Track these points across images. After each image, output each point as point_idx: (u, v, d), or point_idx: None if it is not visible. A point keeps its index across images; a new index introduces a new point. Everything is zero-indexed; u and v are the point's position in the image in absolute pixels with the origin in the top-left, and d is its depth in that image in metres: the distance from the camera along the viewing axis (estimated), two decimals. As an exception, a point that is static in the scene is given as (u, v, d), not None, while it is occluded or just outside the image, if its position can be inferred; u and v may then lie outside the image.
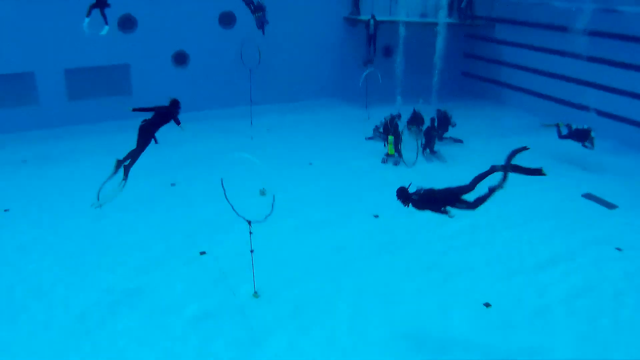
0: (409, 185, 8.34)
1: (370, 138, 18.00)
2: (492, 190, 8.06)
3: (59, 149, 16.63)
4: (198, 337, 8.47)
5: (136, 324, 8.74)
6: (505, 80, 22.36)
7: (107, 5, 14.88)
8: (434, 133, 16.78)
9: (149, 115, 9.72)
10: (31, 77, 17.80)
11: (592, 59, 17.70)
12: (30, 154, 16.09)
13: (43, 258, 10.61)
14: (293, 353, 8.19)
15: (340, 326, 8.74)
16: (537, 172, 8.27)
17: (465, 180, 8.23)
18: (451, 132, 17.62)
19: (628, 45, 17.09)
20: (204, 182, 13.77)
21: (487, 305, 9.31)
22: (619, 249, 11.22)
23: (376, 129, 17.94)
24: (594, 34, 16.94)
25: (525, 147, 8.33)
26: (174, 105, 9.72)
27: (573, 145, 15.91)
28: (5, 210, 12.52)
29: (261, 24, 18.07)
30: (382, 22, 20.71)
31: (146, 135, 9.60)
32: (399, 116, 17.00)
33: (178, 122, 9.89)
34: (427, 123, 17.04)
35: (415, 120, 17.29)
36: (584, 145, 15.59)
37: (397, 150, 16.00)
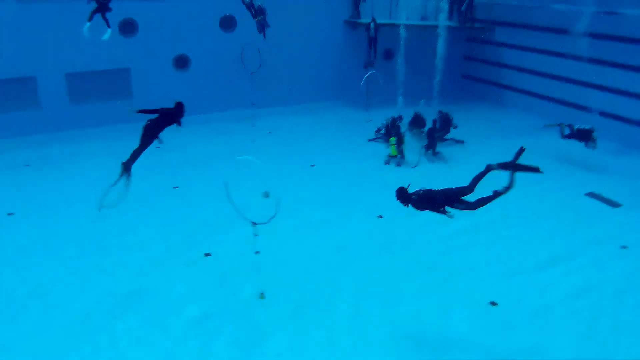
0: (409, 186, 8.36)
1: (372, 140, 18.04)
2: (496, 194, 8.10)
3: (61, 152, 16.67)
4: (198, 338, 8.46)
5: (137, 325, 8.73)
6: (506, 82, 22.39)
7: (109, 10, 14.94)
8: (436, 134, 16.81)
9: (152, 117, 9.78)
10: (33, 82, 17.86)
11: (593, 61, 17.73)
12: (33, 157, 16.13)
13: (45, 260, 10.63)
14: (293, 353, 8.18)
15: (340, 326, 8.73)
16: (534, 169, 8.27)
17: (467, 181, 8.24)
18: (453, 134, 17.64)
19: (630, 47, 17.11)
20: (206, 184, 13.82)
21: (494, 304, 9.30)
22: (624, 247, 11.21)
23: (378, 130, 17.97)
24: (595, 36, 16.98)
25: (522, 147, 8.33)
26: (179, 108, 9.77)
27: (575, 146, 15.91)
28: (9, 214, 12.54)
29: (262, 27, 18.16)
30: (383, 25, 20.75)
31: (149, 135, 9.65)
32: (401, 118, 17.05)
33: (180, 124, 9.94)
34: (428, 125, 17.09)
35: (417, 122, 17.34)
36: (586, 146, 15.59)
37: (400, 151, 16.02)
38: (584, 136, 15.53)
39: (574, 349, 8.30)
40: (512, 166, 8.22)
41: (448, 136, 17.58)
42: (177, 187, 14.08)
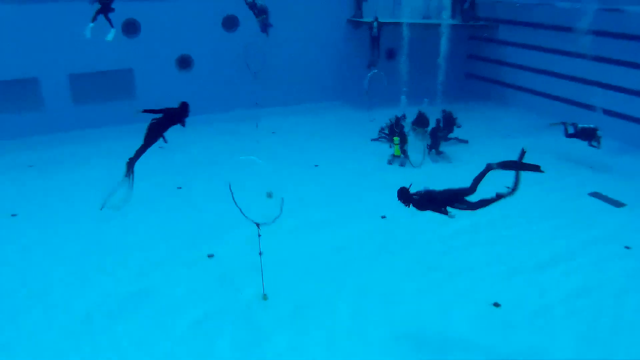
0: (410, 186, 8.33)
1: (375, 139, 18.02)
2: (498, 197, 8.04)
3: (65, 153, 16.73)
4: (199, 338, 8.48)
5: (138, 326, 8.76)
6: (509, 80, 22.31)
7: (112, 10, 14.98)
8: (440, 134, 16.78)
9: (157, 117, 9.82)
10: (36, 83, 17.95)
11: (597, 59, 17.62)
12: (36, 158, 16.20)
13: (47, 260, 10.68)
14: (294, 354, 8.18)
15: (341, 326, 8.74)
16: (535, 168, 8.13)
17: (470, 181, 8.18)
18: (456, 133, 17.60)
19: (634, 44, 17.02)
20: (210, 184, 13.84)
21: (495, 304, 9.27)
22: (627, 247, 11.16)
23: (382, 130, 17.95)
24: (599, 33, 16.87)
25: (523, 149, 8.20)
26: (184, 109, 9.81)
27: (578, 145, 15.84)
28: (13, 215, 12.60)
29: (264, 27, 18.16)
30: (386, 24, 20.72)
31: (154, 134, 9.69)
32: (404, 117, 17.01)
33: (184, 124, 9.98)
34: (432, 124, 17.06)
35: (421, 121, 17.30)
36: (590, 145, 15.51)
37: (403, 151, 15.99)
38: (588, 135, 15.45)
39: (575, 349, 8.27)
40: (513, 165, 8.16)
41: (451, 135, 17.54)
42: (180, 188, 14.10)
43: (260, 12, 18.03)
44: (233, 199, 8.88)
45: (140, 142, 9.66)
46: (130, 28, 18.69)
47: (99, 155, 16.02)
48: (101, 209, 9.60)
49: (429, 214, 8.39)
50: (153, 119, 9.68)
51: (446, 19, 20.07)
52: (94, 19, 14.77)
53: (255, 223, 9.05)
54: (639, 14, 16.54)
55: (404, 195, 8.28)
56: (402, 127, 16.50)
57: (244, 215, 8.93)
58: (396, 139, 15.97)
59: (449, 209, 8.20)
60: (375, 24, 20.50)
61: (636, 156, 16.35)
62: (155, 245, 11.25)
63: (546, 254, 10.94)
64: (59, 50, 17.67)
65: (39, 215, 12.65)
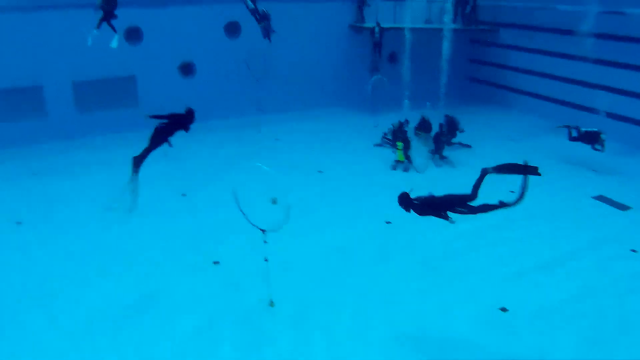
0: (411, 191, 8.31)
1: (378, 145, 18.00)
2: (501, 205, 7.97)
3: (69, 160, 16.67)
4: (201, 344, 8.47)
5: (141, 332, 8.73)
6: (511, 84, 22.34)
7: (114, 17, 14.98)
8: (443, 138, 16.78)
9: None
10: (39, 91, 17.93)
11: (599, 61, 17.66)
12: (40, 166, 16.15)
13: (51, 268, 10.62)
14: (297, 357, 8.20)
15: (344, 329, 8.74)
16: (532, 170, 7.91)
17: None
18: (459, 138, 17.60)
19: (636, 47, 17.04)
20: (214, 191, 13.80)
21: (500, 308, 9.27)
22: (633, 251, 11.14)
23: (385, 135, 17.94)
24: (601, 36, 16.90)
25: (526, 162, 8.05)
26: (190, 115, 9.90)
27: (582, 147, 15.83)
28: (18, 223, 12.57)
29: (267, 33, 18.17)
30: (387, 29, 20.75)
31: (160, 137, 9.75)
32: (407, 122, 17.00)
33: (187, 130, 10.05)
34: (435, 129, 17.04)
35: (424, 126, 17.30)
36: (594, 148, 15.50)
37: (407, 156, 15.97)
38: (592, 138, 15.45)
39: (578, 351, 8.26)
40: (509, 169, 8.02)
41: (454, 140, 17.53)
42: (184, 195, 14.07)
43: (263, 18, 18.02)
44: (238, 205, 8.87)
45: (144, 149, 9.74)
46: (133, 35, 18.69)
47: (102, 163, 15.97)
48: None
49: (431, 217, 8.37)
50: (160, 122, 9.78)
51: (448, 23, 20.05)
52: (98, 26, 14.76)
53: (261, 230, 9.04)
54: (641, 16, 16.59)
55: (405, 201, 8.26)
56: (406, 132, 16.50)
57: (249, 222, 8.92)
58: (400, 144, 15.95)
59: (449, 213, 8.17)
60: (377, 29, 20.53)
61: (640, 158, 16.34)
62: (160, 252, 11.22)
63: (549, 256, 10.94)
64: (62, 58, 17.64)
65: (43, 222, 12.61)
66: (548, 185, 12.25)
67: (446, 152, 16.71)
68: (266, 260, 9.20)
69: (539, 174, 7.93)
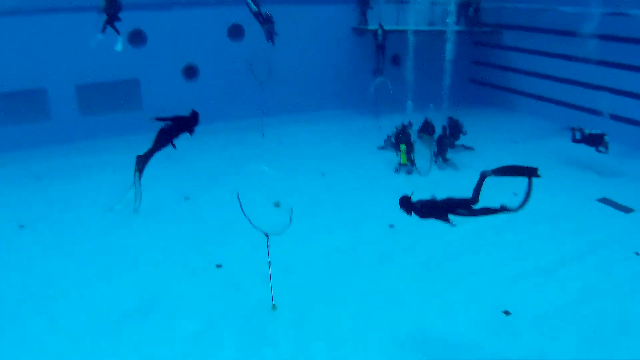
0: (412, 194, 8.30)
1: (382, 147, 17.99)
2: (502, 209, 7.93)
3: (72, 164, 16.71)
4: (202, 346, 8.49)
5: (143, 335, 8.76)
6: (514, 86, 22.31)
7: (118, 19, 15.01)
8: (446, 141, 16.76)
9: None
10: (43, 94, 18.00)
11: (602, 63, 17.61)
12: (43, 169, 16.19)
13: (53, 271, 10.67)
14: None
15: (345, 332, 8.75)
16: (532, 172, 7.82)
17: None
18: (462, 140, 17.57)
19: (639, 48, 17.01)
20: (217, 194, 13.79)
21: (503, 311, 9.25)
22: (637, 253, 11.10)
23: (388, 138, 17.92)
24: (604, 37, 16.87)
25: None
26: (194, 117, 9.92)
27: (586, 149, 15.77)
28: (20, 226, 12.60)
29: (270, 35, 18.18)
30: (390, 31, 20.74)
31: (164, 138, 9.78)
32: (410, 125, 16.99)
33: (191, 133, 10.07)
34: (438, 131, 17.03)
35: (427, 128, 17.28)
36: (597, 150, 15.44)
37: (410, 159, 15.96)
38: (595, 141, 15.39)
39: (580, 353, 8.25)
40: (508, 171, 8.00)
41: (458, 142, 17.51)
42: (187, 198, 14.08)
43: (266, 21, 18.02)
44: (241, 208, 8.87)
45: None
46: (137, 38, 18.74)
47: (106, 166, 15.98)
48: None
49: (434, 220, 8.36)
50: (165, 124, 9.81)
51: (451, 25, 20.07)
52: (103, 30, 14.79)
53: (264, 233, 9.04)
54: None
55: (406, 204, 8.26)
56: (409, 135, 16.49)
57: (253, 225, 8.92)
58: (403, 146, 15.92)
59: (450, 216, 8.15)
60: (380, 31, 20.53)
61: (644, 160, 16.28)
62: (162, 254, 11.26)
63: (551, 259, 10.94)
64: (66, 61, 17.70)
65: (46, 225, 12.66)
66: (551, 187, 12.24)
67: (449, 154, 16.70)
68: (269, 264, 9.19)
69: (539, 176, 7.86)
